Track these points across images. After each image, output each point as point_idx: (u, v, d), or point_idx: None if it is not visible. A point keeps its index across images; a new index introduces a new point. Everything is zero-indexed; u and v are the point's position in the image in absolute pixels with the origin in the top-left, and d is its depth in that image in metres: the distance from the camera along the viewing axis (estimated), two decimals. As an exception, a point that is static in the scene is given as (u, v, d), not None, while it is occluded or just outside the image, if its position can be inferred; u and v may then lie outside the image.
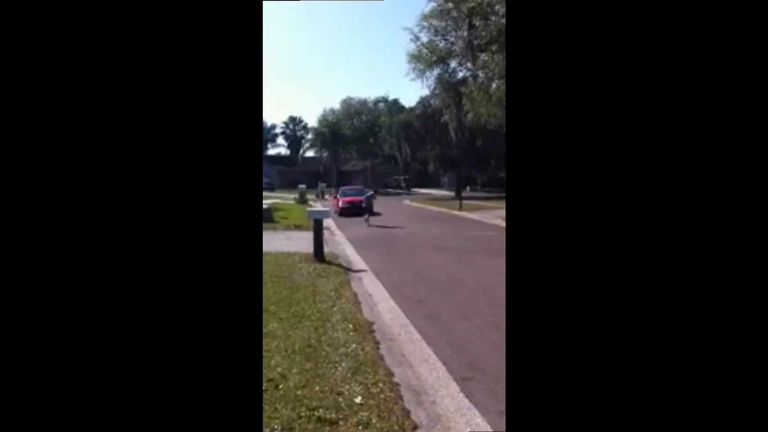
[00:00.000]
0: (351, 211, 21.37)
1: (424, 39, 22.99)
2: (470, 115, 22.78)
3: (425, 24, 22.92)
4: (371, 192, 20.98)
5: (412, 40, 23.27)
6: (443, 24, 21.71)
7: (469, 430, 3.23)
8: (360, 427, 3.15)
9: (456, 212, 22.09)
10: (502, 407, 3.52)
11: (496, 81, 20.18)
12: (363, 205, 19.06)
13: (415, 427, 3.23)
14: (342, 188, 26.75)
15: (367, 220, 17.88)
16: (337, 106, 58.56)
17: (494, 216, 19.18)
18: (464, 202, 24.54)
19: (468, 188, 37.85)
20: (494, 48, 17.61)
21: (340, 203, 22.46)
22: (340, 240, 13.52)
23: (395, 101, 55.09)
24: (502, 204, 25.03)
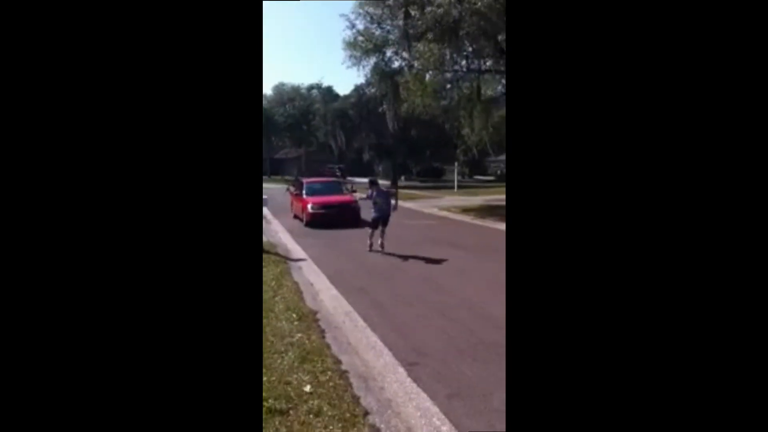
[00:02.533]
0: (329, 219, 13.18)
1: (360, 26, 22.82)
2: (406, 105, 22.93)
3: (361, 11, 22.77)
4: (381, 186, 10.80)
5: (347, 27, 23.00)
6: (379, 12, 21.64)
7: (419, 413, 3.28)
8: (311, 416, 3.13)
9: (392, 201, 22.23)
10: (449, 391, 3.61)
11: (431, 71, 20.39)
12: (374, 214, 9.79)
13: (366, 413, 3.24)
14: (306, 182, 15.83)
15: (380, 242, 9.63)
16: (268, 91, 57.22)
17: (431, 205, 19.53)
18: (400, 191, 24.75)
19: (403, 177, 38.24)
20: (430, 37, 17.75)
21: (310, 207, 13.56)
22: (276, 228, 13.28)
23: (329, 89, 54.55)
24: (437, 193, 25.51)
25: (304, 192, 14.68)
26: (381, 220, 9.72)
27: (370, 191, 10.16)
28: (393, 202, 10.32)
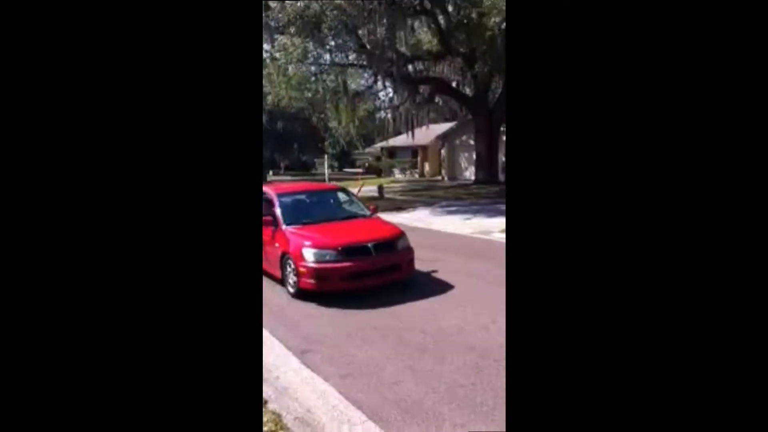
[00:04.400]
0: (360, 277, 5.64)
1: (218, 17, 21.94)
2: (270, 97, 22.61)
3: (218, 1, 21.88)
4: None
5: (204, 17, 21.90)
6: (238, 3, 21.01)
7: (316, 395, 3.46)
8: (211, 413, 3.14)
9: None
10: (343, 371, 3.82)
11: (294, 64, 20.32)
12: None
13: (264, 402, 3.33)
14: (276, 192, 6.89)
15: None
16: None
17: (302, 198, 19.46)
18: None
19: (271, 172, 37.59)
20: (292, 31, 17.69)
21: (310, 254, 5.60)
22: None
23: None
24: (308, 186, 25.43)
25: (280, 218, 6.37)
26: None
27: None
28: None
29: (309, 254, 5.64)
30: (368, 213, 7.13)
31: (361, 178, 24.34)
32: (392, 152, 32.56)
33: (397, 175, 31.03)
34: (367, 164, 36.99)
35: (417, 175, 29.69)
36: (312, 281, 5.60)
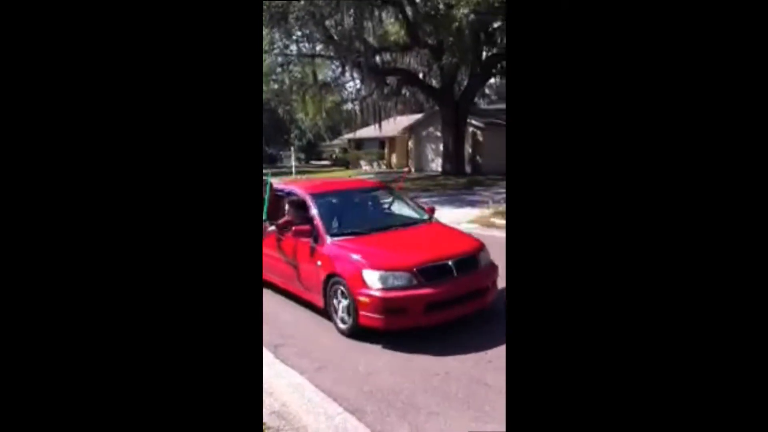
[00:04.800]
0: (444, 309, 4.03)
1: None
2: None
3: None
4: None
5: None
6: (200, -10, 20.48)
7: (291, 389, 3.44)
8: (184, 410, 3.08)
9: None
10: (318, 365, 3.81)
11: (268, 57, 20.04)
12: None
13: (240, 398, 3.29)
14: (310, 192, 5.15)
15: None
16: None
17: (269, 191, 19.24)
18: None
19: (236, 164, 36.85)
20: (265, 23, 17.40)
21: (375, 278, 3.98)
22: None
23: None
24: (275, 180, 25.16)
25: (321, 227, 4.66)
26: None
27: None
28: None
29: (372, 278, 4.03)
30: (425, 216, 5.31)
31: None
32: (359, 144, 32.44)
33: (365, 167, 30.98)
34: (334, 156, 36.77)
35: (384, 167, 29.72)
36: (378, 316, 3.97)
